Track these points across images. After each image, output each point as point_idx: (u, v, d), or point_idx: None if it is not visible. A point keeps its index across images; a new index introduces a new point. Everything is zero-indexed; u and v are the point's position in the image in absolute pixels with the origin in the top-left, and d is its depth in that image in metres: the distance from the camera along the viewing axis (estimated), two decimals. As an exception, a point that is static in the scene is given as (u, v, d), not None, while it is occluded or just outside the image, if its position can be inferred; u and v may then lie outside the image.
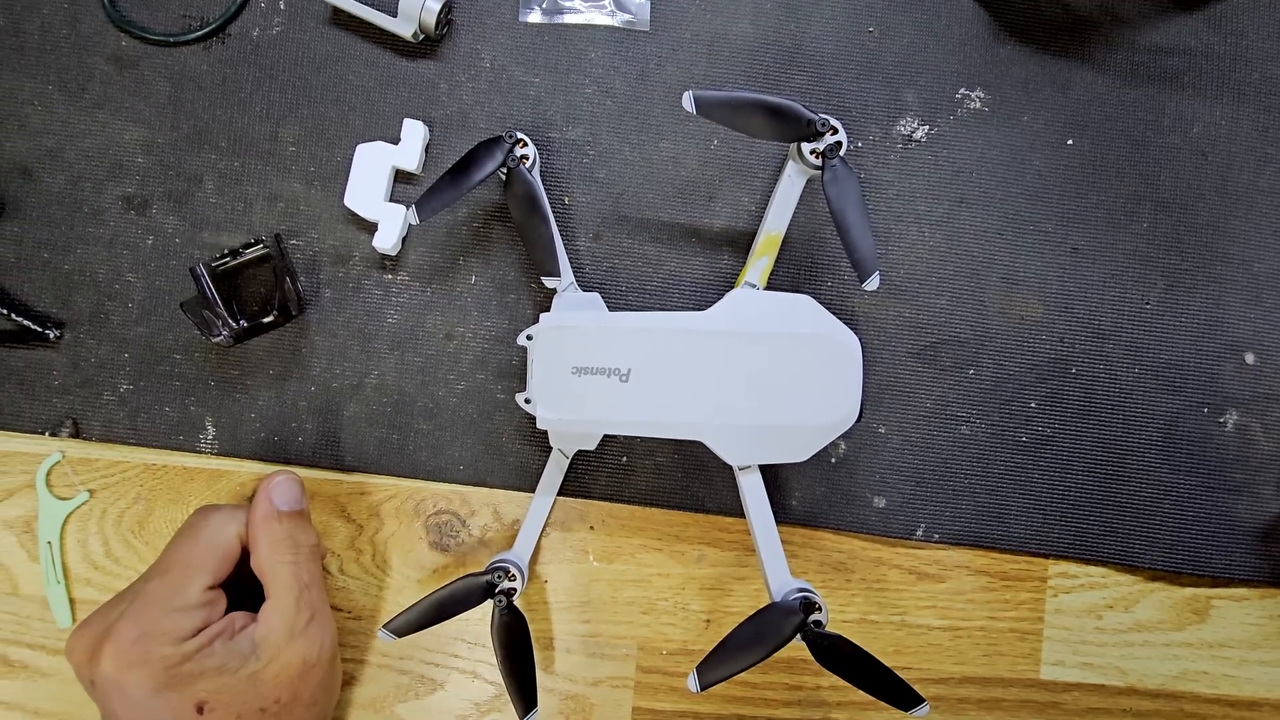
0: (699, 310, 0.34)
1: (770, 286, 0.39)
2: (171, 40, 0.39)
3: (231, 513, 0.35)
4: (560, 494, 0.38)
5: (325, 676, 0.34)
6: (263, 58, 0.39)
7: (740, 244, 0.39)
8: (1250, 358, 0.40)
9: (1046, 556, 0.40)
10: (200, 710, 0.31)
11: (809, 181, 0.34)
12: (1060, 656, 0.40)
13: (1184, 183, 0.40)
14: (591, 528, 0.39)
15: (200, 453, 0.39)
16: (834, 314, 0.39)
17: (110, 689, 0.30)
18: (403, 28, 0.38)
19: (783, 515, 0.39)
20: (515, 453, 0.39)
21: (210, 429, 0.39)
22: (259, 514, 0.34)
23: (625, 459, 0.39)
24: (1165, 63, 0.40)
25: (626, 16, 0.39)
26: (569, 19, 0.39)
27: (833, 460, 0.39)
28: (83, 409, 0.38)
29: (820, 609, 0.32)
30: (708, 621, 0.39)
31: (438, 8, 0.37)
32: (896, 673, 0.32)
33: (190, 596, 0.32)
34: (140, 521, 0.39)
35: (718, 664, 0.32)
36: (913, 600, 0.40)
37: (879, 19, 0.40)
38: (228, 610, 0.34)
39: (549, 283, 0.36)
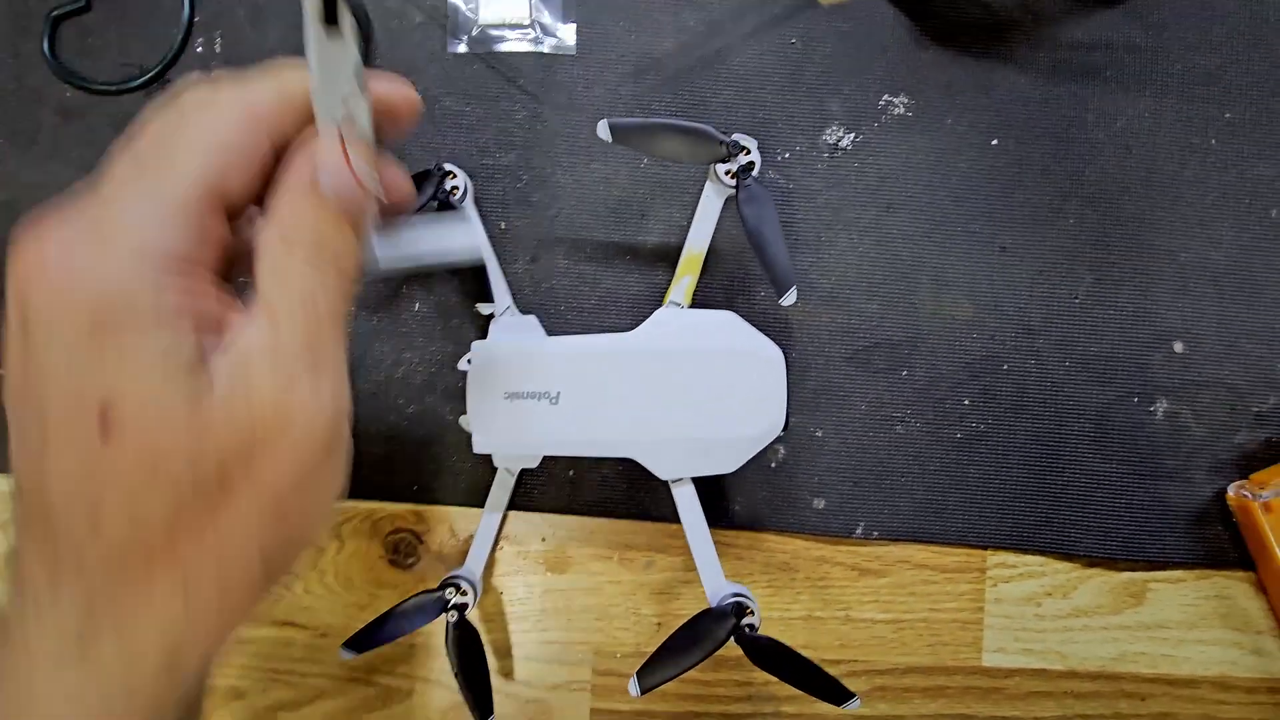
0: (634, 326, 0.35)
1: (703, 300, 0.40)
2: (114, 89, 0.40)
3: (259, 92, 0.19)
4: (511, 508, 0.40)
5: (311, 468, 0.18)
6: (202, 101, 0.40)
7: (674, 259, 0.40)
8: (1179, 346, 0.41)
9: (985, 548, 0.41)
10: (104, 419, 0.17)
11: (728, 200, 0.36)
12: (1001, 644, 0.41)
13: (1109, 177, 0.41)
14: (543, 539, 0.41)
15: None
16: (767, 323, 0.41)
17: (12, 316, 0.18)
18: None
19: (726, 520, 0.41)
20: (466, 471, 0.40)
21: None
22: (290, 178, 0.19)
23: (572, 472, 0.41)
24: (1088, 58, 0.41)
25: (554, 41, 0.40)
26: (497, 47, 0.40)
27: (772, 465, 0.40)
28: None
29: (753, 613, 0.34)
30: (659, 625, 0.41)
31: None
32: (832, 670, 0.34)
33: (164, 200, 0.18)
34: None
35: (657, 668, 0.34)
36: (856, 596, 0.41)
37: (801, 30, 0.41)
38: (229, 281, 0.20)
39: (484, 309, 0.37)
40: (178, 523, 0.17)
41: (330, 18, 0.19)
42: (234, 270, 0.20)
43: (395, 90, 0.21)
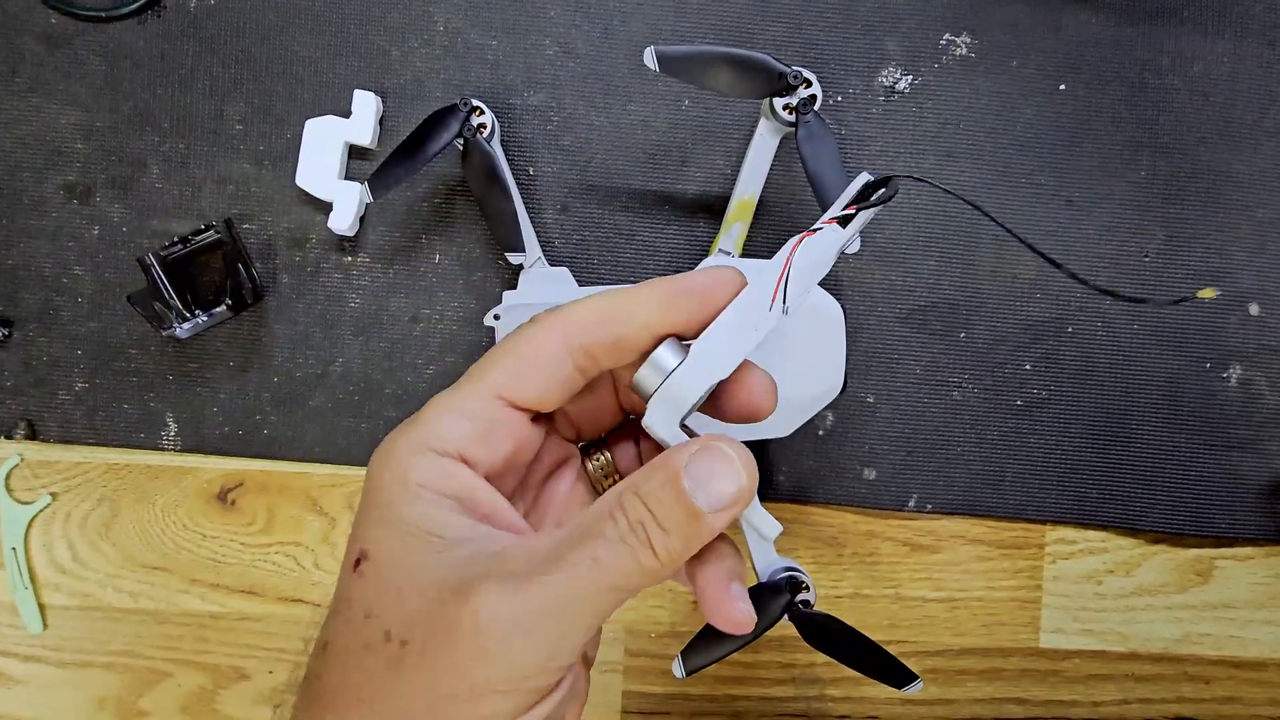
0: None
1: (747, 253, 0.37)
2: (104, 15, 0.36)
3: (576, 314, 0.21)
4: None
5: (508, 688, 0.18)
6: (202, 30, 0.37)
7: (716, 209, 0.37)
8: (1255, 309, 0.38)
9: (1044, 523, 0.38)
10: (359, 560, 0.20)
11: (783, 140, 0.32)
12: (1060, 624, 0.39)
13: (1184, 126, 0.38)
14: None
15: (163, 450, 0.37)
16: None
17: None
18: None
19: (771, 491, 0.38)
20: (490, 437, 0.37)
21: (172, 425, 0.37)
22: (664, 454, 0.20)
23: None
24: (1163, -2, 0.38)
25: (587, -30, 0.37)
26: (525, -25, 0.37)
27: (820, 432, 0.38)
28: (38, 410, 0.37)
29: (808, 588, 0.31)
30: (694, 602, 0.38)
31: None
32: (888, 650, 0.31)
33: (465, 397, 0.20)
34: (106, 523, 0.37)
35: (703, 649, 0.31)
36: (907, 573, 0.38)
37: (856, -38, 0.37)
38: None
39: (514, 259, 0.34)
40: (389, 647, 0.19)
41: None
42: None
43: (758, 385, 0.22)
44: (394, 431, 0.21)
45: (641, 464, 0.22)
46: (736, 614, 0.21)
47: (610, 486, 0.23)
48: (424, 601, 0.18)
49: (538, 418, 0.22)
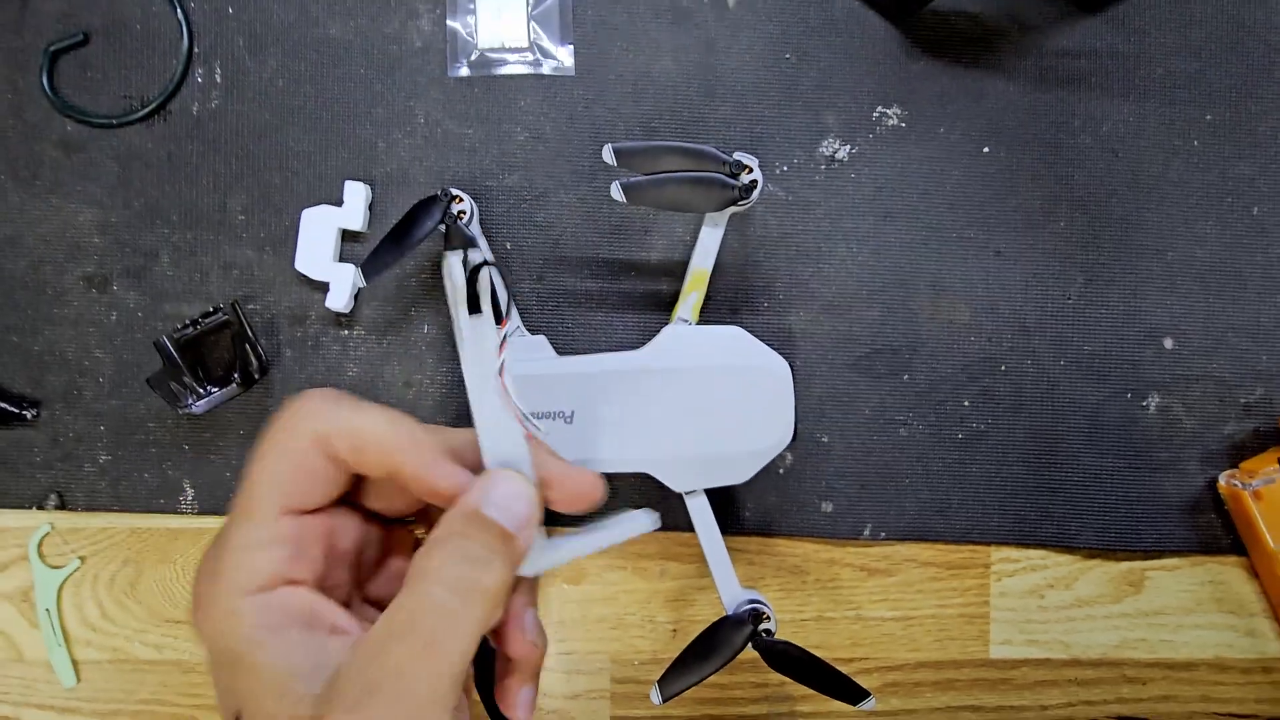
0: (642, 343, 0.36)
1: (708, 311, 0.41)
2: (115, 122, 0.40)
3: (336, 405, 0.22)
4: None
5: None
6: (205, 131, 0.41)
7: (678, 273, 0.41)
8: (1169, 342, 0.42)
9: (988, 544, 0.42)
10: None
11: (730, 216, 0.36)
12: (1007, 636, 0.42)
13: (1097, 180, 0.42)
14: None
15: (182, 513, 0.41)
16: (771, 333, 0.41)
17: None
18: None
19: (737, 526, 0.41)
20: (481, 489, 0.41)
21: (189, 490, 0.41)
22: (461, 501, 0.21)
23: (585, 486, 0.41)
24: (1073, 65, 0.42)
25: (553, 63, 0.41)
26: (497, 71, 0.41)
27: (780, 471, 0.41)
28: (66, 482, 0.40)
29: (769, 618, 0.35)
30: (674, 631, 0.42)
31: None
32: (843, 671, 0.35)
33: (253, 528, 0.21)
34: (131, 583, 0.41)
35: (677, 677, 0.35)
36: (865, 595, 0.42)
37: (795, 46, 0.41)
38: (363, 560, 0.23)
39: (495, 331, 0.38)
40: None
41: (474, 307, 0.22)
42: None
43: (575, 478, 0.23)
44: (201, 580, 0.21)
45: None
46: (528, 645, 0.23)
47: None
48: None
49: (340, 505, 0.22)
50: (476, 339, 0.22)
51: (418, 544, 0.25)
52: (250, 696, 0.19)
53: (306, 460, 0.21)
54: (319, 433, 0.21)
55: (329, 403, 0.21)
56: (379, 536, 0.24)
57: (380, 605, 0.23)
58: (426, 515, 0.25)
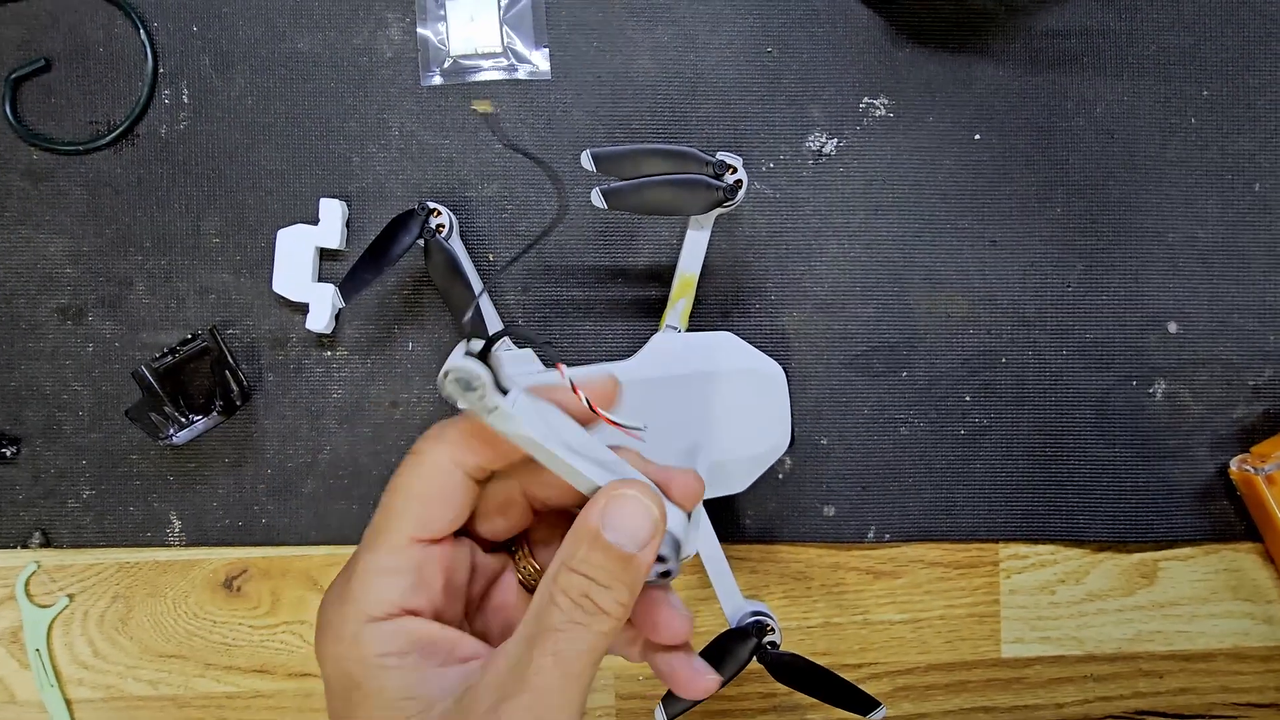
0: (632, 351, 0.35)
1: (699, 316, 0.39)
2: (82, 148, 0.39)
3: (468, 432, 0.22)
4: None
5: None
6: (174, 154, 0.39)
7: (665, 278, 0.40)
8: (1173, 327, 0.41)
9: (996, 541, 0.41)
10: None
11: (717, 219, 0.35)
12: (1019, 634, 0.41)
13: (1093, 163, 0.41)
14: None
15: (169, 546, 0.40)
16: (764, 336, 0.40)
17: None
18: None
19: (738, 534, 0.40)
20: (474, 507, 0.40)
21: (176, 522, 0.40)
22: (578, 521, 0.21)
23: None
24: (1063, 46, 0.41)
25: (528, 67, 0.40)
26: (471, 78, 0.40)
27: (780, 476, 0.40)
28: (50, 519, 0.40)
29: (773, 630, 0.34)
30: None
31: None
32: (852, 676, 0.34)
33: (385, 554, 0.21)
34: (122, 619, 0.40)
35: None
36: (872, 599, 0.41)
37: (776, 39, 0.40)
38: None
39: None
40: None
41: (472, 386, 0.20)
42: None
43: (681, 479, 0.24)
44: (327, 606, 0.21)
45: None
46: (706, 685, 0.23)
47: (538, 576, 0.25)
48: None
49: (458, 537, 0.23)
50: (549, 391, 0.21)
51: (524, 584, 0.25)
52: None
53: (444, 480, 0.22)
54: (458, 457, 0.22)
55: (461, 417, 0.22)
56: (484, 569, 0.25)
57: (484, 639, 0.23)
58: (524, 540, 0.25)
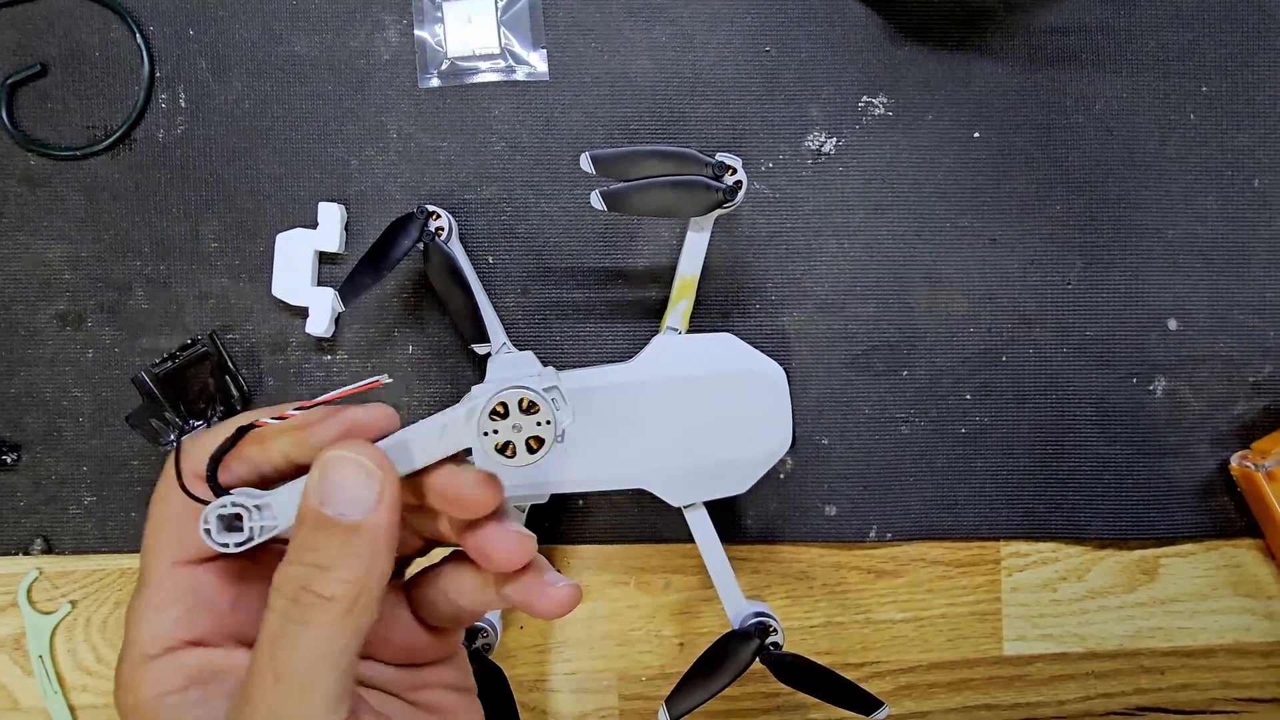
0: (633, 352, 0.35)
1: (699, 317, 0.39)
2: (79, 154, 0.39)
3: (211, 439, 0.20)
4: (524, 544, 0.40)
5: None
6: (172, 158, 0.39)
7: (666, 279, 0.40)
8: (1172, 324, 0.41)
9: (997, 539, 0.41)
10: None
11: (717, 219, 0.35)
12: (1021, 631, 0.41)
13: (1092, 160, 0.41)
14: (558, 570, 0.41)
15: (172, 551, 0.40)
16: (765, 336, 0.40)
17: None
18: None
19: (739, 534, 0.41)
20: (475, 510, 0.40)
21: (178, 527, 0.40)
22: (300, 507, 0.19)
23: (582, 502, 0.40)
24: (1062, 43, 0.41)
25: (526, 69, 0.40)
26: (469, 80, 0.40)
27: (781, 476, 0.40)
28: (51, 525, 0.40)
29: (776, 631, 0.34)
30: (681, 645, 0.41)
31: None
32: (854, 676, 0.34)
33: (149, 589, 0.20)
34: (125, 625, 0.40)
35: (685, 695, 0.34)
36: (874, 598, 0.41)
37: (774, 38, 0.40)
38: None
39: (479, 349, 0.37)
40: None
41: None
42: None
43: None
44: (119, 658, 0.20)
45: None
46: (562, 595, 0.21)
47: None
48: None
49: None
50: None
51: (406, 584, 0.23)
52: None
53: (188, 500, 0.19)
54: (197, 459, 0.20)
55: (201, 434, 0.20)
56: None
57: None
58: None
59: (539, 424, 0.21)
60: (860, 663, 0.41)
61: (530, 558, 0.21)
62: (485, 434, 0.21)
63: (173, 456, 0.20)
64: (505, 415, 0.21)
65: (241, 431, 0.20)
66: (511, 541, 0.21)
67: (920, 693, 0.41)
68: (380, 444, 0.20)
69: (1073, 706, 0.42)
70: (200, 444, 0.20)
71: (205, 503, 0.19)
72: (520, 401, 0.21)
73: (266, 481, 0.21)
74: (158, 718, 0.19)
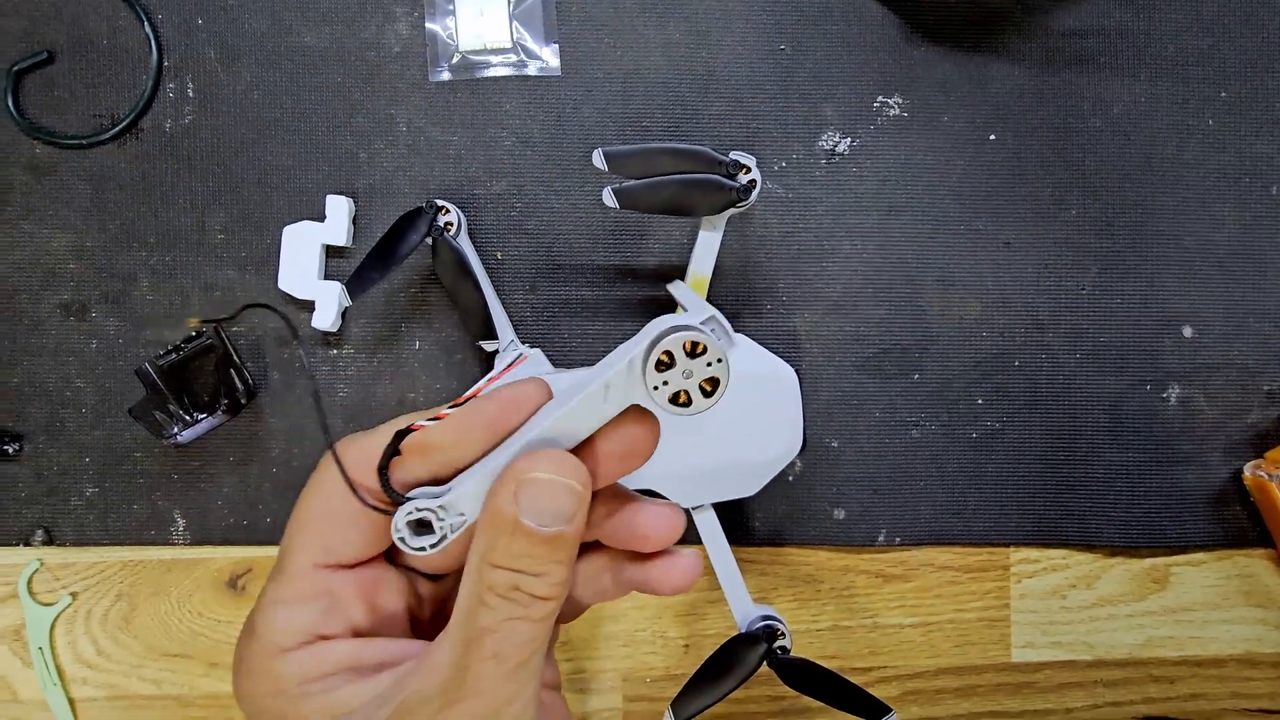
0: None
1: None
2: (85, 142, 0.39)
3: (367, 442, 0.20)
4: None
5: None
6: (179, 149, 0.39)
7: (677, 278, 0.40)
8: (1187, 331, 0.40)
9: (1007, 545, 0.41)
10: None
11: (730, 219, 0.35)
12: (1029, 639, 0.41)
13: (1109, 165, 0.40)
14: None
15: (174, 544, 0.39)
16: (775, 337, 0.40)
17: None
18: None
19: (747, 537, 0.40)
20: (481, 508, 0.40)
21: (180, 520, 0.39)
22: (488, 509, 0.19)
23: (588, 501, 0.40)
24: (1080, 46, 0.40)
25: (538, 63, 0.39)
26: (480, 74, 0.39)
27: (790, 478, 0.40)
28: (53, 516, 0.39)
29: (783, 635, 0.34)
30: (686, 646, 0.41)
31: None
32: (861, 681, 0.33)
33: (286, 584, 0.20)
34: (125, 617, 0.40)
35: (692, 699, 0.34)
36: (882, 602, 0.41)
37: (790, 36, 0.40)
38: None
39: (487, 346, 0.37)
40: None
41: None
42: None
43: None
44: (239, 645, 0.20)
45: None
46: (685, 572, 0.21)
47: None
48: None
49: (396, 566, 0.21)
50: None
51: None
52: None
53: (346, 503, 0.19)
54: (364, 451, 0.20)
55: (355, 438, 0.20)
56: (435, 599, 0.23)
57: None
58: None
59: (709, 364, 0.19)
60: (867, 667, 0.41)
61: (684, 528, 0.21)
62: (655, 387, 0.19)
63: (330, 459, 0.20)
64: (670, 364, 0.19)
65: (400, 436, 0.20)
66: (666, 515, 0.21)
67: (927, 698, 0.41)
68: (546, 427, 0.19)
69: (1081, 715, 0.41)
70: (358, 447, 0.20)
71: (389, 512, 0.19)
72: (684, 345, 0.19)
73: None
74: (307, 703, 0.19)
